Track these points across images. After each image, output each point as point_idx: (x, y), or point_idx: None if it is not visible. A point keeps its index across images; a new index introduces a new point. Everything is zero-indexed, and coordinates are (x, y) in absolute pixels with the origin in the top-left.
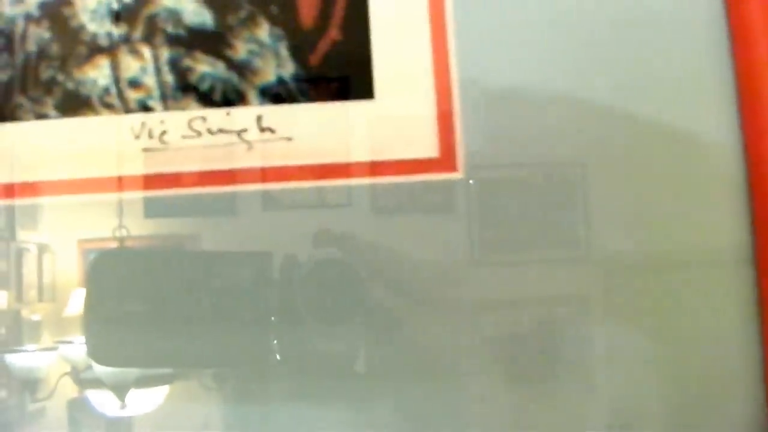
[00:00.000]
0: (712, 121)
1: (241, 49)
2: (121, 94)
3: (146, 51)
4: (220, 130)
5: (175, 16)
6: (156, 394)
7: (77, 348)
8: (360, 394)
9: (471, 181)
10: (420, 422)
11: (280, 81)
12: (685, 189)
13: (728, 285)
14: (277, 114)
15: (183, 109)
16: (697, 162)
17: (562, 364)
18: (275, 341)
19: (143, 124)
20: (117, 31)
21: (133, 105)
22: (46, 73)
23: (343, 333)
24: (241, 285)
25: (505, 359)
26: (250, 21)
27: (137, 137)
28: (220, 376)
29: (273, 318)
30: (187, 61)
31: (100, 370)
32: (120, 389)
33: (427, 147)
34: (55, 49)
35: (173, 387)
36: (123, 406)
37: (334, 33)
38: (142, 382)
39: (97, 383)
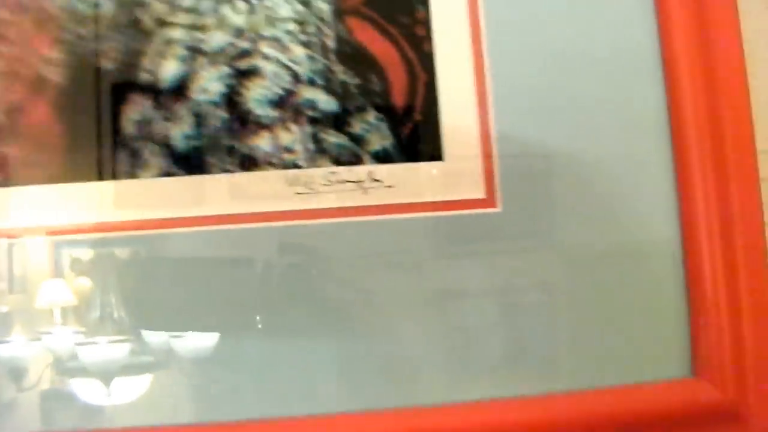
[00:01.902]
0: (645, 155)
1: (357, 127)
2: (279, 157)
3: (294, 128)
4: (346, 181)
5: (312, 104)
6: (141, 382)
7: (61, 338)
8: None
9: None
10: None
11: (383, 148)
12: (625, 192)
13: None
14: (382, 170)
15: (320, 166)
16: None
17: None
18: None
19: (296, 176)
20: (274, 114)
21: (287, 164)
22: (227, 142)
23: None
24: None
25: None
26: (362, 108)
27: (291, 185)
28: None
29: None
30: (322, 135)
31: (86, 359)
32: (106, 377)
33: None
34: (232, 125)
35: (156, 375)
36: (109, 395)
37: (416, 116)
38: (127, 371)
39: (83, 372)
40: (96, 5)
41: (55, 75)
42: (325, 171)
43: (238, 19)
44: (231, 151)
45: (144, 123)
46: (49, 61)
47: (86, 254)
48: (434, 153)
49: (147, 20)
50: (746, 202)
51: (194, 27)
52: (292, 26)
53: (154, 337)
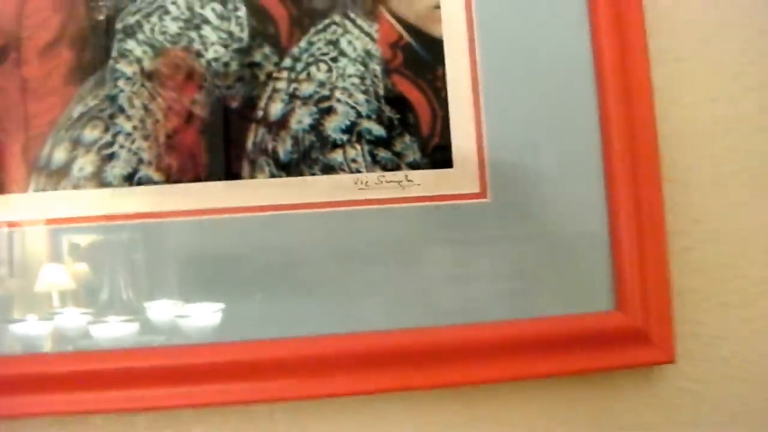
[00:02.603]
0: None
1: (398, 146)
2: (349, 166)
3: (357, 147)
4: (390, 181)
5: (369, 131)
6: None
7: (72, 318)
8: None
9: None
10: None
11: (414, 160)
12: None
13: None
14: (414, 174)
15: (374, 172)
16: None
17: None
18: None
19: (358, 179)
20: (344, 137)
21: (353, 170)
22: (314, 156)
23: None
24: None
25: None
26: (401, 134)
27: (356, 183)
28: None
29: None
30: (375, 151)
31: (100, 337)
32: None
33: (474, 187)
34: (317, 145)
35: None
36: None
37: (436, 139)
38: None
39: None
40: (226, 65)
41: (200, 111)
42: (377, 175)
43: (321, 76)
44: (316, 161)
45: (259, 143)
46: (195, 101)
47: (229, 227)
48: (447, 163)
49: (261, 75)
50: (652, 192)
51: (292, 80)
52: (356, 80)
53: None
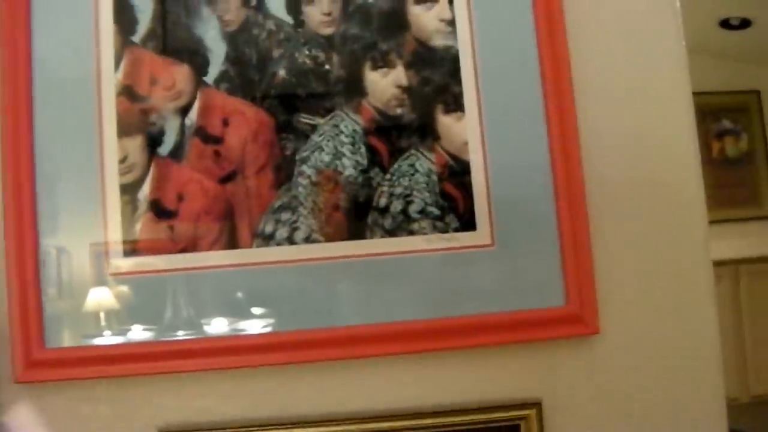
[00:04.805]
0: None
1: (447, 220)
2: (421, 231)
3: (425, 221)
4: (442, 239)
5: (431, 213)
6: None
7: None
8: None
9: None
10: None
11: (455, 227)
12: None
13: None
14: (456, 234)
15: (434, 234)
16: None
17: None
18: None
19: (427, 238)
20: (418, 216)
21: (423, 233)
22: (403, 226)
23: None
24: None
25: None
26: (448, 213)
27: (425, 240)
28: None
29: None
30: (435, 223)
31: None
32: None
33: (487, 240)
34: (405, 221)
35: None
36: None
37: (467, 216)
38: None
39: None
40: (356, 178)
41: (342, 203)
42: (437, 235)
43: (405, 183)
44: (404, 229)
45: (374, 220)
46: (340, 198)
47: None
48: (473, 228)
49: (374, 183)
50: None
51: (391, 186)
52: (424, 185)
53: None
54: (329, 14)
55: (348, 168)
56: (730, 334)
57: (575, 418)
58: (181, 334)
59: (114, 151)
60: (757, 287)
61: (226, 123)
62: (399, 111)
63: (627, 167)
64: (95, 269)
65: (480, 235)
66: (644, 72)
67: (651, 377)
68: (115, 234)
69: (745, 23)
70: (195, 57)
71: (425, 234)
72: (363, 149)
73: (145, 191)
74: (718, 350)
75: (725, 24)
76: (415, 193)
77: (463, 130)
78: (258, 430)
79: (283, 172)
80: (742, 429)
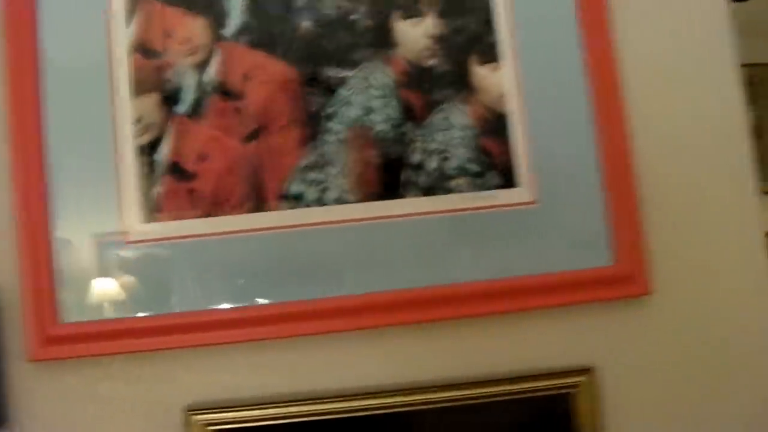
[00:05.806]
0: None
1: (487, 177)
2: (459, 189)
3: (463, 179)
4: (481, 197)
5: (470, 170)
6: None
7: None
8: None
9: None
10: None
11: (497, 184)
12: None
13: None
14: (497, 191)
15: (472, 192)
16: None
17: None
18: None
19: (464, 196)
20: (455, 173)
21: (460, 191)
22: (438, 184)
23: None
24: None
25: None
26: (487, 169)
27: (461, 199)
28: None
29: None
30: (474, 181)
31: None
32: None
33: (529, 197)
34: (441, 178)
35: None
36: None
37: (506, 172)
38: None
39: None
40: (387, 133)
41: (374, 160)
42: (474, 194)
43: (440, 138)
44: (441, 187)
45: (408, 178)
46: (371, 155)
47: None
48: (515, 185)
49: (407, 139)
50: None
51: (425, 141)
52: (459, 140)
53: None
54: None
55: (379, 123)
56: None
57: (632, 384)
58: (206, 305)
59: (128, 110)
60: None
61: (246, 78)
62: (431, 62)
63: (674, 126)
64: (112, 237)
65: (522, 193)
66: (688, 24)
67: (707, 339)
68: (132, 198)
69: None
70: (212, 8)
71: (463, 192)
72: (395, 103)
73: (162, 152)
74: None
75: None
76: (450, 149)
77: (500, 81)
78: (296, 405)
79: (310, 129)
80: None
